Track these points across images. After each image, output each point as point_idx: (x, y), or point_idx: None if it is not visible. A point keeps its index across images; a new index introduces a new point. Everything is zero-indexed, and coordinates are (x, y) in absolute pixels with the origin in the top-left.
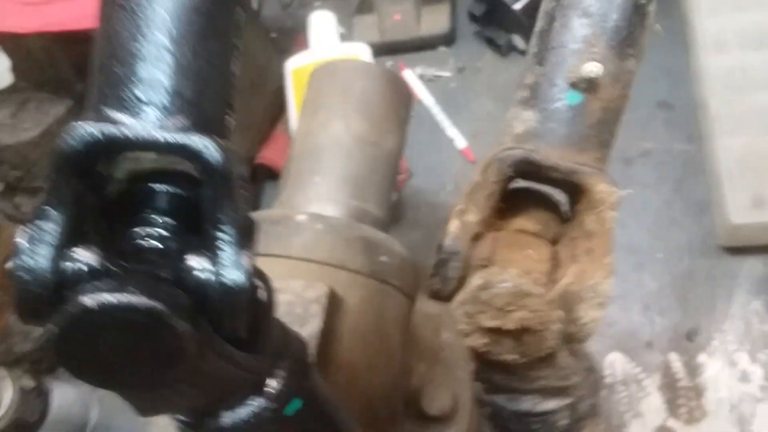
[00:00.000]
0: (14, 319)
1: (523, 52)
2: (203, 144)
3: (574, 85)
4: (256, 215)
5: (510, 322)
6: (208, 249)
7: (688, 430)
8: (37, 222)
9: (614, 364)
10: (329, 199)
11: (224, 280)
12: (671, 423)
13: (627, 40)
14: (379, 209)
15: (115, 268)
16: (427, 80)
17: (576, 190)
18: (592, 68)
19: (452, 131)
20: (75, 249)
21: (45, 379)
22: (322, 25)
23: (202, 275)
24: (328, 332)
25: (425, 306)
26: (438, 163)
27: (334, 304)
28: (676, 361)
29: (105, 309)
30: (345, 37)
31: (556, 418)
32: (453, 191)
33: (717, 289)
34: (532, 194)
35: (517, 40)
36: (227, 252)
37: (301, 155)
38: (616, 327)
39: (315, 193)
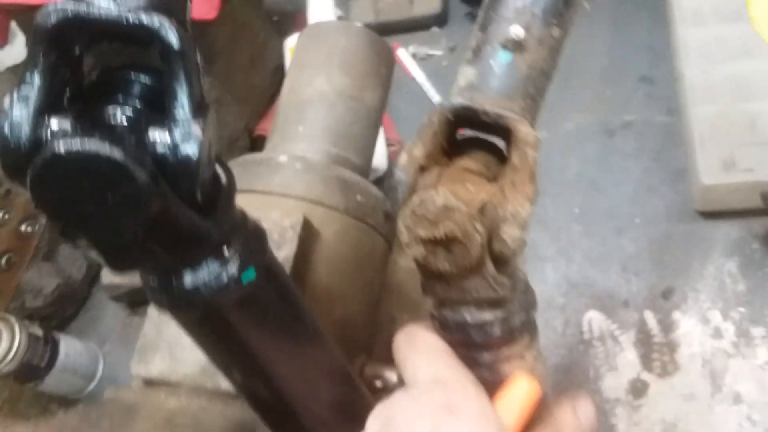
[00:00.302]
0: (26, 278)
1: None
2: (161, 24)
3: (504, 46)
4: (244, 158)
5: (439, 232)
6: (167, 122)
7: (661, 383)
8: (20, 86)
9: (591, 321)
10: (310, 145)
11: (178, 145)
12: (645, 376)
13: (552, 11)
14: (359, 158)
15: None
16: (419, 59)
17: (507, 135)
18: (517, 31)
19: None
20: (52, 117)
21: (54, 333)
22: (319, 6)
23: (160, 143)
24: (302, 257)
25: (409, 262)
26: None
27: (308, 232)
28: (651, 319)
29: (72, 154)
30: (342, 18)
31: (490, 328)
32: None
33: (692, 251)
34: (478, 141)
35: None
36: (182, 122)
37: (287, 108)
38: (595, 287)
39: (298, 140)
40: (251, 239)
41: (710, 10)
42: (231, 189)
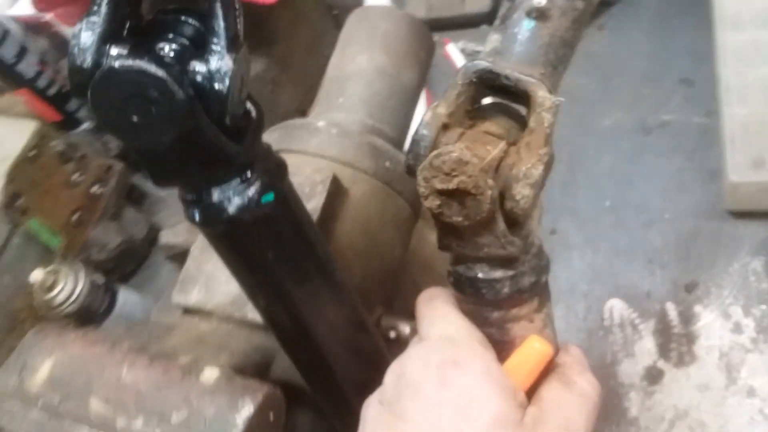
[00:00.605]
0: (93, 234)
1: None
2: None
3: (528, 14)
4: (286, 122)
5: (452, 184)
6: (205, 54)
7: (677, 372)
8: (88, 15)
9: (613, 309)
10: (348, 114)
11: (212, 73)
12: (661, 364)
13: None
14: (393, 130)
15: None
16: (467, 54)
17: (526, 99)
18: (540, 0)
19: (486, 99)
20: (112, 44)
21: (114, 283)
22: (375, 2)
23: (198, 72)
24: (329, 210)
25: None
26: None
27: (336, 188)
28: (672, 310)
29: (125, 68)
30: None
31: (500, 286)
32: None
33: (719, 249)
34: (501, 107)
35: None
36: (217, 54)
37: (330, 81)
38: (619, 277)
39: (337, 110)
40: (273, 168)
41: (749, 15)
42: (259, 122)
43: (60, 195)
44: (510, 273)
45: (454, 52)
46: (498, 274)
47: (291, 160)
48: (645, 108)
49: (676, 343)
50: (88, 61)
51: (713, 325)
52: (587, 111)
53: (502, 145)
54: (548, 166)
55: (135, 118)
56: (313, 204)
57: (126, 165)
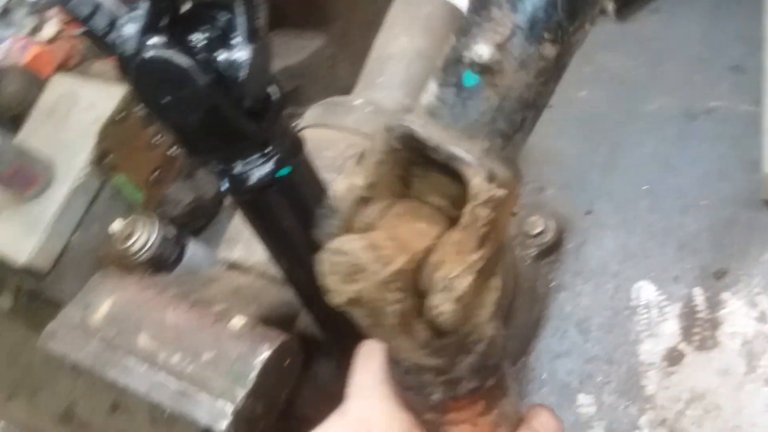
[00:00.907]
0: (170, 191)
1: (614, 14)
2: None
3: (470, 66)
4: (327, 100)
5: (345, 294)
6: (229, 45)
7: (698, 356)
8: (131, 10)
9: (641, 290)
10: (386, 94)
11: (233, 61)
12: (683, 346)
13: (544, 24)
14: None
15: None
16: None
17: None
18: (482, 51)
19: None
20: (150, 35)
21: (185, 236)
22: None
23: (222, 60)
24: None
25: None
26: None
27: None
28: (699, 295)
29: (156, 59)
30: None
31: (429, 390)
32: None
33: (753, 238)
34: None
35: (606, 3)
36: (238, 45)
37: (372, 61)
38: (650, 259)
39: (376, 89)
40: (290, 145)
41: None
42: (280, 104)
43: (142, 155)
44: (441, 378)
45: None
46: (426, 377)
47: (328, 135)
48: (692, 94)
49: (699, 327)
50: (129, 50)
51: (739, 313)
52: (633, 94)
53: (436, 231)
54: (483, 275)
55: (166, 100)
56: None
57: None
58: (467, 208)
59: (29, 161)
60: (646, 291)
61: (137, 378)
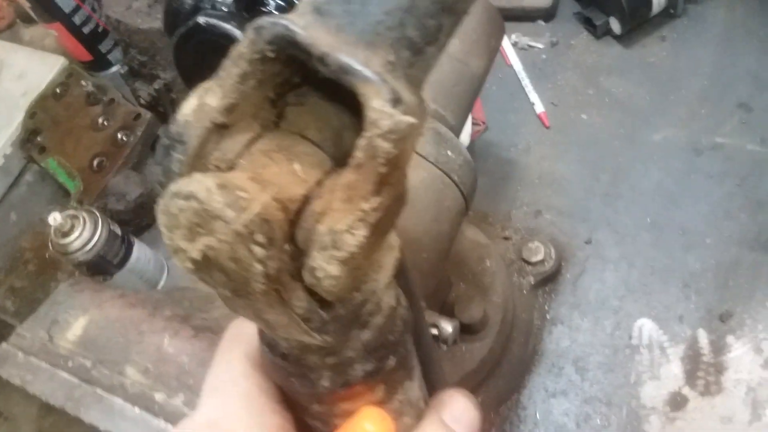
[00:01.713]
0: (113, 182)
1: (617, 37)
2: None
3: None
4: None
5: (195, 249)
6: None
7: (702, 401)
8: None
9: (642, 328)
10: None
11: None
12: (686, 391)
13: None
14: (454, 118)
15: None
16: (519, 48)
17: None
18: None
19: (534, 96)
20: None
21: (131, 235)
22: None
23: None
24: None
25: (475, 235)
26: (514, 123)
27: None
28: (703, 338)
29: (209, 26)
30: None
31: (315, 377)
32: (523, 150)
33: (759, 281)
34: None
35: (614, 23)
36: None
37: None
38: (652, 297)
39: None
40: None
41: None
42: None
43: (82, 137)
44: (329, 361)
45: (507, 44)
46: (311, 360)
47: None
48: (699, 127)
49: (704, 371)
50: (186, 7)
51: (744, 359)
52: (639, 122)
53: (317, 174)
54: (379, 230)
55: (208, 69)
56: None
57: (155, 115)
58: (362, 141)
59: None
60: (648, 329)
61: (126, 425)
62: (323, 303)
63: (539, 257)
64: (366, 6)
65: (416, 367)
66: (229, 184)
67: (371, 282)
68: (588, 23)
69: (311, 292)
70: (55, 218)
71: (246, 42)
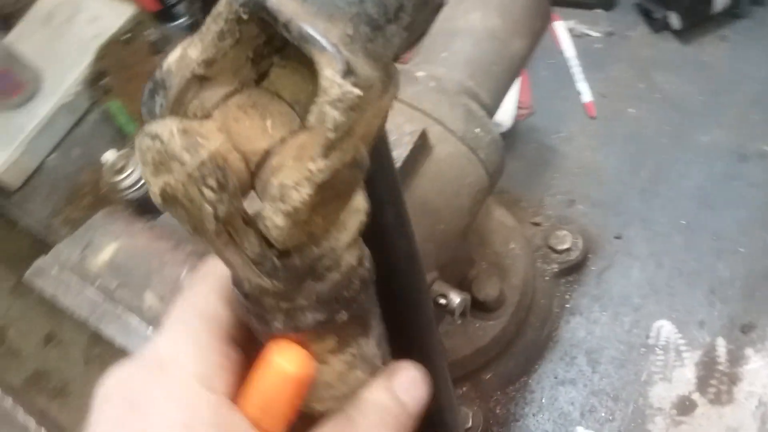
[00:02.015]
0: None
1: (675, 32)
2: None
3: None
4: None
5: (156, 185)
6: None
7: (710, 409)
8: None
9: (661, 329)
10: (449, 71)
11: None
12: (696, 397)
13: None
14: (489, 97)
15: None
16: (575, 35)
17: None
18: None
19: (582, 85)
20: None
21: None
22: None
23: None
24: (411, 162)
25: (503, 217)
26: (561, 110)
27: (423, 143)
28: (721, 346)
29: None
30: None
31: (270, 317)
32: (565, 138)
33: None
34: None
35: (673, 18)
36: None
37: (438, 33)
38: (675, 298)
39: (439, 64)
40: None
41: None
42: None
43: (144, 84)
44: (282, 305)
45: (561, 30)
46: (267, 302)
47: None
48: (747, 133)
49: (717, 380)
50: None
51: (760, 372)
52: (686, 121)
53: (283, 132)
54: (330, 191)
55: None
56: (397, 154)
57: None
58: (314, 106)
59: (17, 66)
60: (666, 331)
61: (139, 342)
62: (281, 253)
63: (566, 246)
64: None
65: (376, 327)
66: (191, 129)
67: (332, 240)
68: (647, 15)
69: (267, 240)
70: (109, 157)
71: (224, 2)
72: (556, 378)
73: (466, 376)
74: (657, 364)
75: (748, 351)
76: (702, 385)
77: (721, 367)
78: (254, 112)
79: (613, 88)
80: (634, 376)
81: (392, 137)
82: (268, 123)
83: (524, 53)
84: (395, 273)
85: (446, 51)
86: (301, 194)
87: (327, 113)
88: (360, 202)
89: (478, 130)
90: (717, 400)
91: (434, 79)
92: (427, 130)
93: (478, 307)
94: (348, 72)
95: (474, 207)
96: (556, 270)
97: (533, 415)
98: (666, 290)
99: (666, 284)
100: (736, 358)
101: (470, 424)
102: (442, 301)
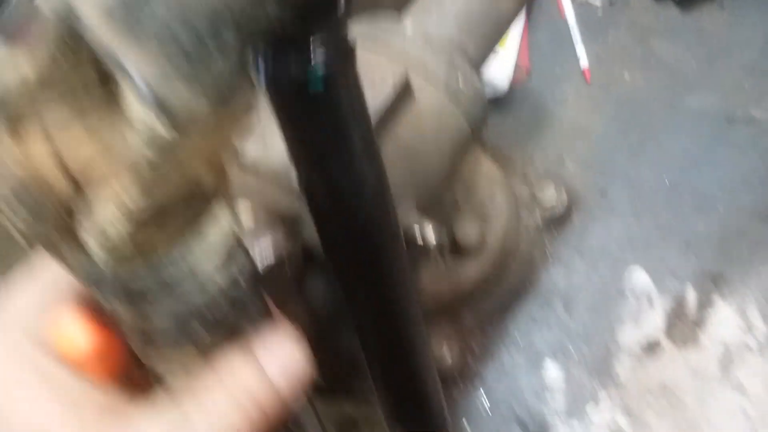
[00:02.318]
0: None
1: (676, 1)
2: None
3: None
4: (377, 19)
5: None
6: None
7: (675, 351)
8: None
9: (635, 278)
10: (437, 24)
11: None
12: (662, 340)
13: None
14: (476, 53)
15: None
16: (577, 3)
17: None
18: None
19: (581, 50)
20: None
21: None
22: None
23: None
24: (392, 109)
25: (491, 170)
26: (558, 75)
27: (405, 91)
28: (691, 293)
29: None
30: None
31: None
32: (560, 101)
33: (759, 252)
34: None
35: None
36: None
37: None
38: (650, 250)
39: (427, 17)
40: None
41: None
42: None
43: None
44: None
45: None
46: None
47: (370, 55)
48: (738, 99)
49: (684, 325)
50: None
51: (726, 319)
52: (678, 85)
53: (110, 145)
54: (158, 217)
55: None
56: (379, 100)
57: None
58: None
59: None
60: (639, 278)
61: None
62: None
63: (551, 199)
64: (148, 8)
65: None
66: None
67: (188, 258)
68: None
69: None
70: None
71: (49, 25)
72: (533, 320)
73: (444, 313)
74: (629, 309)
75: (716, 299)
76: (670, 329)
77: (689, 313)
78: (88, 117)
79: (611, 55)
80: (606, 321)
81: (375, 85)
82: (100, 129)
83: (511, 14)
84: (362, 203)
85: (435, 4)
86: (119, 231)
87: (138, 152)
88: (223, 213)
89: (461, 84)
90: (683, 344)
91: (421, 31)
92: (410, 78)
93: (458, 250)
94: (161, 107)
95: (455, 157)
96: (540, 222)
97: (508, 351)
98: (643, 243)
99: (644, 238)
100: (703, 305)
101: (450, 362)
102: (416, 231)
